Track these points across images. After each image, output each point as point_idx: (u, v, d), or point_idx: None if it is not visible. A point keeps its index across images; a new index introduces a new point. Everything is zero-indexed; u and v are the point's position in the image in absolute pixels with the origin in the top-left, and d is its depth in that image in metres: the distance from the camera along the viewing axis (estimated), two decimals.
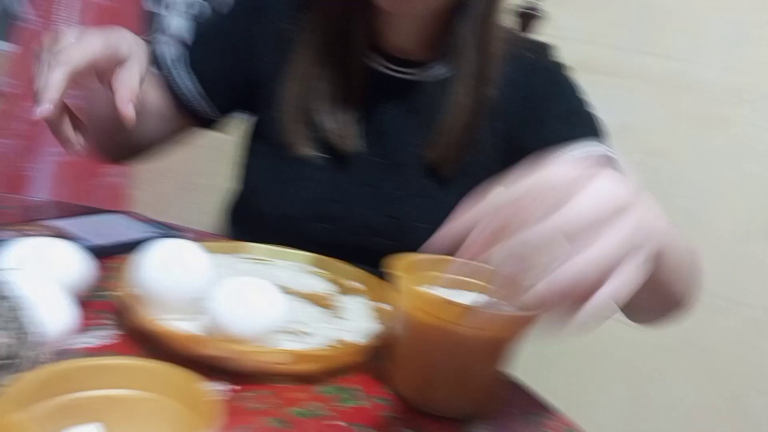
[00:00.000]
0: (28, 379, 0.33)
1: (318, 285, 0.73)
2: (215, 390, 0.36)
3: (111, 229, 0.77)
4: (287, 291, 0.70)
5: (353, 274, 0.75)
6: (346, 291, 0.73)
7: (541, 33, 0.87)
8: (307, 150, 0.83)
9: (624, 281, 0.39)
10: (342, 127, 0.83)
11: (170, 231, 0.80)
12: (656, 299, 0.62)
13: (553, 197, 0.39)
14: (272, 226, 0.85)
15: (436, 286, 0.62)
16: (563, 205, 0.39)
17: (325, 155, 0.84)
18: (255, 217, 0.88)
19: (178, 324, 0.56)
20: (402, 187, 0.85)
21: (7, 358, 0.36)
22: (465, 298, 0.61)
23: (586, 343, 1.31)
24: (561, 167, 0.42)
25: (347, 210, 0.84)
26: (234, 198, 1.03)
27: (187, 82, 0.86)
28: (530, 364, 1.34)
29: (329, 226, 0.84)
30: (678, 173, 1.26)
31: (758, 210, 1.23)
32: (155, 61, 0.85)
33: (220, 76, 0.88)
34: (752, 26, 1.20)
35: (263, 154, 0.88)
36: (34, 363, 0.38)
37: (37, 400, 0.33)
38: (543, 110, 0.83)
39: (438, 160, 0.83)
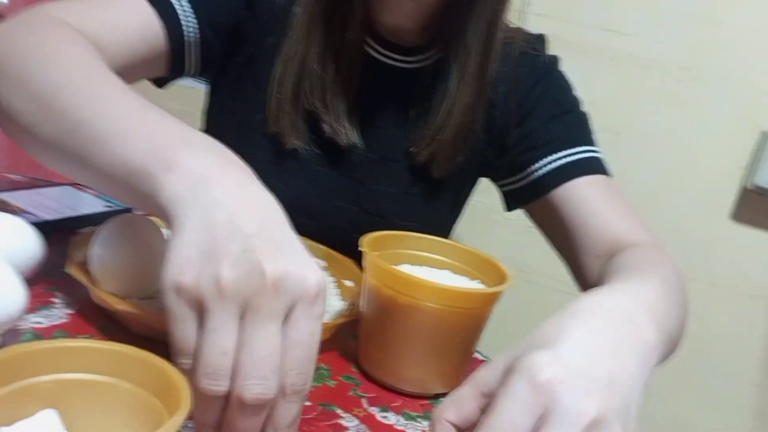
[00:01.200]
0: None
1: None
2: (178, 372, 0.34)
3: (59, 203, 0.73)
4: None
5: (315, 251, 0.73)
6: None
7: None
8: (297, 141, 0.76)
9: None
10: (336, 119, 0.76)
11: (121, 205, 0.76)
12: None
13: None
14: None
15: (403, 263, 0.61)
16: None
17: (314, 148, 0.78)
18: None
19: (134, 303, 0.54)
20: (389, 183, 0.80)
21: None
22: (432, 275, 0.60)
23: (544, 316, 1.32)
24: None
25: (331, 206, 0.80)
26: None
27: (190, 18, 0.72)
28: (497, 341, 1.35)
29: (311, 222, 0.79)
30: (634, 150, 1.27)
31: (710, 189, 1.26)
32: None
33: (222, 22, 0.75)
34: (710, 6, 1.21)
35: (242, 138, 0.77)
36: None
37: None
38: (530, 105, 0.80)
39: (429, 159, 0.78)
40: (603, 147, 0.81)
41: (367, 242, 0.56)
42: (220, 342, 0.36)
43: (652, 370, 0.43)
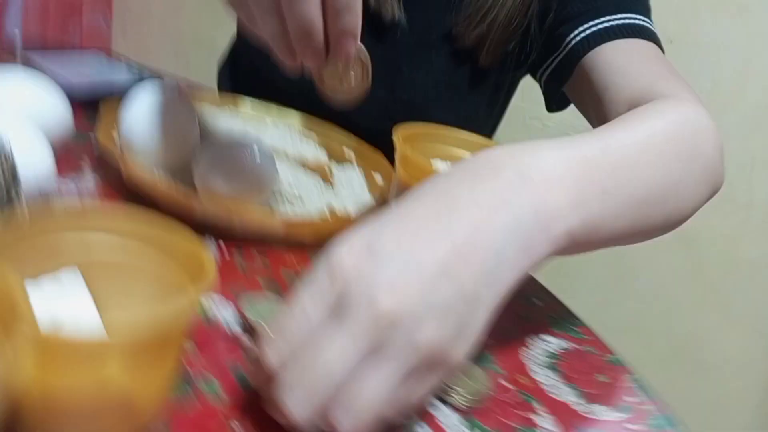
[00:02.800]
0: None
1: (309, 150, 0.70)
2: (203, 245, 0.33)
3: (90, 68, 0.71)
4: (279, 154, 0.67)
5: (345, 141, 0.72)
6: (337, 158, 0.70)
7: None
8: None
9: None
10: None
11: (153, 75, 0.74)
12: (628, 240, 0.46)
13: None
14: (284, 99, 0.78)
15: (435, 158, 0.59)
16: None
17: None
18: (262, 86, 0.80)
19: (162, 177, 0.53)
20: (426, 71, 0.77)
21: None
22: None
23: None
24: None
25: None
26: (233, 57, 0.94)
27: None
28: None
29: None
30: (685, 61, 1.21)
31: (761, 107, 1.20)
32: None
33: None
34: None
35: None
36: (5, 205, 0.35)
37: (8, 243, 0.30)
38: None
39: (476, 43, 0.73)
40: None
41: (399, 134, 0.54)
42: None
43: (562, 244, 0.36)
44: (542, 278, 0.58)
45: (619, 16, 0.69)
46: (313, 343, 0.31)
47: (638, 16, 0.69)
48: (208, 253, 0.32)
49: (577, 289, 1.36)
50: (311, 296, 0.32)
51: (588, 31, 0.69)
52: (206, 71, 1.02)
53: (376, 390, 0.31)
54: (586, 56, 0.68)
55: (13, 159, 0.36)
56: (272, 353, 0.32)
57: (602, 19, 0.69)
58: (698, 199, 0.49)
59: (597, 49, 0.67)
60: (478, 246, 0.33)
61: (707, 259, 1.28)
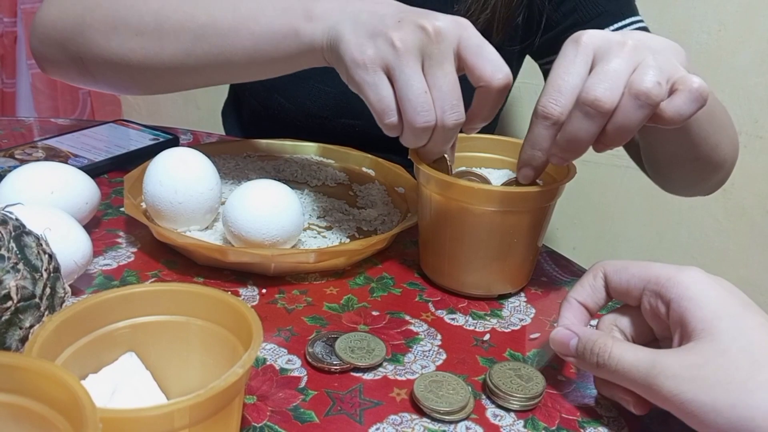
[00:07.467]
0: (53, 321, 0.31)
1: (329, 176, 0.71)
2: (245, 302, 0.35)
3: (106, 141, 0.73)
4: (300, 186, 0.68)
5: (362, 161, 0.73)
6: (358, 179, 0.71)
7: None
8: None
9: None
10: None
11: (167, 135, 0.76)
12: (690, 144, 0.62)
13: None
14: (295, 127, 0.79)
15: (459, 167, 0.59)
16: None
17: None
18: (272, 116, 0.82)
19: (193, 234, 0.55)
20: None
21: (24, 299, 0.34)
22: (491, 176, 0.59)
23: (604, 194, 1.30)
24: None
25: None
26: (236, 98, 0.96)
27: None
28: (557, 223, 1.34)
29: (359, 122, 0.79)
30: (687, 6, 1.19)
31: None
32: None
33: None
34: None
35: None
36: (54, 300, 0.36)
37: (66, 341, 0.32)
38: None
39: (485, 27, 0.74)
40: (656, 5, 0.76)
41: (416, 150, 0.55)
42: (418, 84, 0.45)
43: None
44: (581, 251, 0.58)
45: (627, 21, 0.73)
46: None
47: (639, 18, 0.74)
48: (252, 313, 0.34)
49: (619, 254, 1.35)
50: (571, 68, 0.44)
51: None
52: (215, 112, 1.04)
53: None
54: None
55: (54, 257, 0.38)
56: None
57: (614, 26, 0.73)
58: (730, 153, 0.68)
59: None
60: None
61: (745, 201, 1.25)
